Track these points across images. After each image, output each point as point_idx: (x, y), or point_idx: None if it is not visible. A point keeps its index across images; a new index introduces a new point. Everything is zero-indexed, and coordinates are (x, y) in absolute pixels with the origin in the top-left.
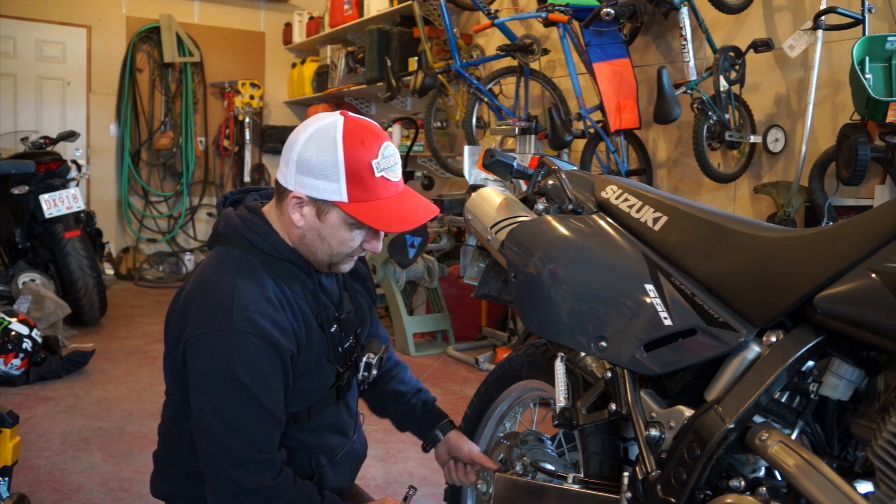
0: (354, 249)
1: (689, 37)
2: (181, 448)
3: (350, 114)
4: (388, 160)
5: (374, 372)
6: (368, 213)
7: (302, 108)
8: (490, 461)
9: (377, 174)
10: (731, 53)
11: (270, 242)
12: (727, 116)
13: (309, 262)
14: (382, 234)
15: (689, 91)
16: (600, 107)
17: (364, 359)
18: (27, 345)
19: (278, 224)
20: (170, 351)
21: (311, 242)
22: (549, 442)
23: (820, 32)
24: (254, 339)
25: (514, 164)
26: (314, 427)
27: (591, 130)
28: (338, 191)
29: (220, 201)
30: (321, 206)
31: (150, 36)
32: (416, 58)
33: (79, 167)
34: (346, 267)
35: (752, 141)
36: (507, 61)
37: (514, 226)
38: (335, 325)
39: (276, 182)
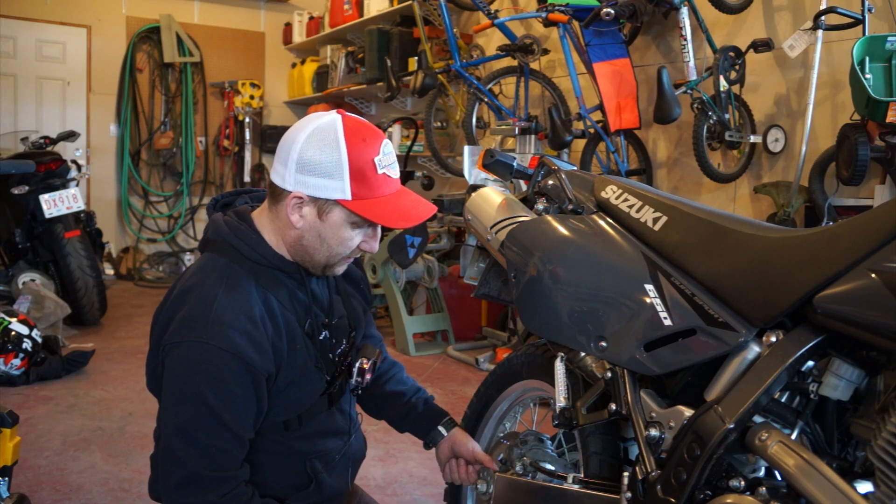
0: (352, 251)
1: (689, 37)
2: None
3: (346, 112)
4: (388, 157)
5: (368, 377)
6: (372, 209)
7: (302, 108)
8: (492, 461)
9: (379, 171)
10: (731, 53)
11: (258, 251)
12: (727, 116)
13: (303, 265)
14: (380, 234)
15: (689, 91)
16: (600, 107)
17: (357, 364)
18: (27, 345)
19: (270, 228)
20: (152, 358)
21: (308, 244)
22: (549, 442)
23: (820, 32)
24: (224, 355)
25: (514, 164)
26: (307, 434)
27: (591, 130)
28: (341, 188)
29: (211, 204)
30: (322, 206)
31: (150, 36)
32: (416, 58)
33: (79, 167)
34: (341, 269)
35: (752, 141)
36: (507, 61)
37: (514, 226)
38: (325, 332)
39: (271, 184)
